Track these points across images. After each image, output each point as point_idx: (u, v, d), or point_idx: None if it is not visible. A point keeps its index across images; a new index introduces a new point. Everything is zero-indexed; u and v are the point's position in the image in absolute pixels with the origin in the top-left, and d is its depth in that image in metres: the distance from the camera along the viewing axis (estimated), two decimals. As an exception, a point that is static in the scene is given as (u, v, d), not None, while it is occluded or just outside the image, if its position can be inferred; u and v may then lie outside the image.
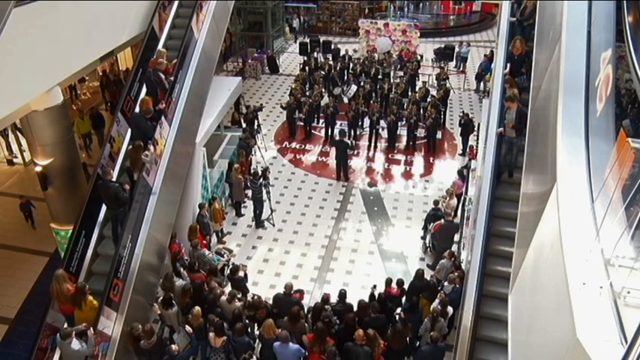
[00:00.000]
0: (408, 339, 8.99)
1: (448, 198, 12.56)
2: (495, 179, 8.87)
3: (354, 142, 17.01)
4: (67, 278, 7.96)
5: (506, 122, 8.62)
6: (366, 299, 9.41)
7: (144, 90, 10.40)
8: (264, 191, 13.07)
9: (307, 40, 25.07)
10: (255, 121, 15.85)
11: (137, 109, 9.84)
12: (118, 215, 8.77)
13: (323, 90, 19.46)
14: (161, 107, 9.71)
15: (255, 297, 9.52)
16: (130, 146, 9.34)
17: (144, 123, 9.39)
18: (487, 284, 8.11)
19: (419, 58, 22.14)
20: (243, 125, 16.46)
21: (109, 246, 9.07)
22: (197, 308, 8.75)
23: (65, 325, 8.02)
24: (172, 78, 10.19)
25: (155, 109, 9.51)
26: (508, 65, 9.69)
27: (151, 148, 9.13)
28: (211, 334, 8.44)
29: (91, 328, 7.49)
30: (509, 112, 8.57)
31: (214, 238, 12.69)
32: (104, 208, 9.24)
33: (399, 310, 9.71)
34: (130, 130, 10.01)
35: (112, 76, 18.55)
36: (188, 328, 8.58)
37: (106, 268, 8.40)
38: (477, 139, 14.25)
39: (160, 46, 10.94)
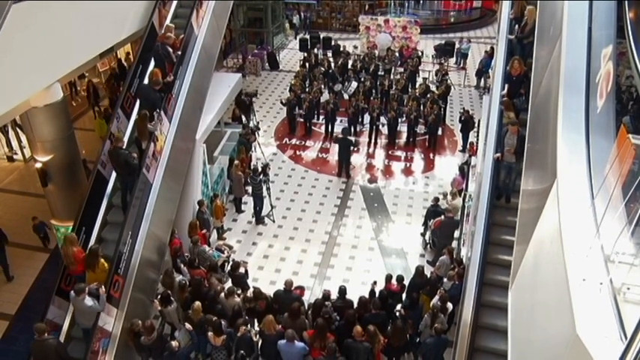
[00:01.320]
0: (408, 335, 9.02)
1: (451, 198, 12.56)
2: (492, 200, 8.72)
3: (357, 139, 16.98)
4: (75, 242, 8.24)
5: (507, 148, 8.39)
6: (367, 295, 9.43)
7: (152, 64, 10.55)
8: (264, 187, 13.07)
9: (307, 36, 25.01)
10: (251, 107, 15.63)
11: (146, 81, 10.10)
12: (127, 183, 9.05)
13: (323, 86, 19.43)
14: (169, 80, 9.92)
15: (255, 289, 9.52)
16: (137, 116, 9.57)
17: (153, 94, 9.66)
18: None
19: (419, 54, 22.10)
20: (244, 120, 16.49)
21: (118, 214, 9.32)
22: (197, 303, 8.77)
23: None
24: (180, 52, 10.38)
25: (163, 82, 9.75)
26: (506, 86, 9.38)
27: (157, 117, 9.45)
28: (210, 334, 8.44)
29: (102, 287, 7.82)
30: (510, 137, 8.33)
31: (215, 235, 12.72)
32: (111, 181, 9.62)
33: (398, 306, 9.72)
34: (137, 102, 10.18)
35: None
36: (188, 325, 8.60)
37: (115, 235, 8.64)
38: (477, 135, 14.24)
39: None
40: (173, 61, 10.28)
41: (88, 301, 7.66)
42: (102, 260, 8.27)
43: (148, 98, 9.75)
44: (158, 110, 9.53)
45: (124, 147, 9.17)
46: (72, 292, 7.79)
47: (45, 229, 11.91)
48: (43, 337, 7.34)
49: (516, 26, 10.10)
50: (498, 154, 8.67)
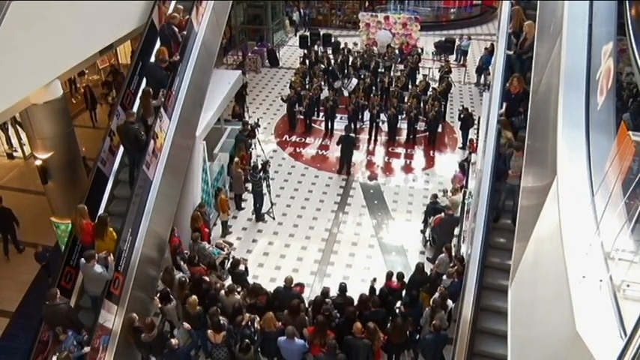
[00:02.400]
0: (407, 333, 9.03)
1: (451, 194, 12.56)
2: (490, 219, 8.51)
3: (357, 137, 16.96)
4: (85, 214, 8.40)
5: (512, 171, 8.12)
6: (367, 293, 9.44)
7: (157, 43, 10.75)
8: (263, 184, 13.07)
9: (307, 33, 24.97)
10: (255, 135, 15.37)
11: (152, 59, 10.31)
12: (135, 158, 9.26)
13: (322, 83, 19.41)
14: (175, 59, 10.10)
15: (256, 284, 9.52)
16: (141, 93, 9.78)
17: (159, 71, 9.90)
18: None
19: (419, 51, 22.08)
20: (245, 118, 16.53)
21: (124, 189, 9.62)
22: (193, 297, 8.77)
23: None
24: (185, 32, 10.58)
25: (169, 61, 9.96)
26: (504, 105, 9.08)
27: (161, 94, 9.71)
28: (210, 331, 8.44)
29: (111, 255, 8.04)
30: (515, 160, 8.05)
31: (219, 229, 12.76)
32: (118, 157, 9.90)
33: (398, 303, 9.74)
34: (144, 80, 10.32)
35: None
36: (186, 325, 8.60)
37: (122, 208, 8.88)
38: (477, 132, 14.23)
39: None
40: (179, 41, 10.46)
41: (98, 268, 7.90)
42: (110, 229, 8.47)
43: (154, 75, 9.97)
44: (164, 88, 9.77)
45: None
46: (82, 259, 8.04)
47: (46, 256, 11.08)
48: (54, 302, 7.62)
49: (515, 41, 9.75)
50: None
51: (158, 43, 10.69)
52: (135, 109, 10.08)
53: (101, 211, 9.16)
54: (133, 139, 9.03)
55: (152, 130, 9.25)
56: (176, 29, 10.45)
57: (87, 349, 7.51)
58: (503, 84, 9.36)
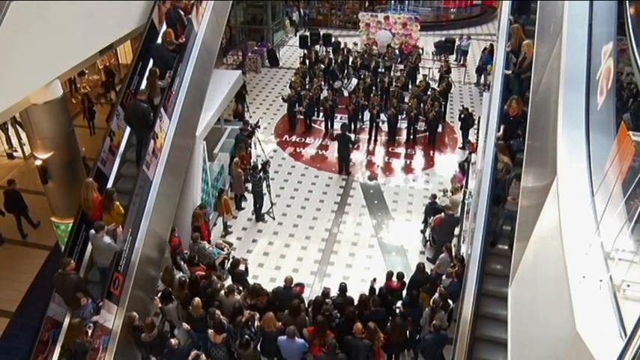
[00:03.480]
0: (407, 332, 9.02)
1: (451, 193, 12.56)
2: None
3: (357, 137, 16.97)
4: (95, 187, 8.69)
5: (511, 198, 7.94)
6: (367, 293, 9.44)
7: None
8: (263, 184, 13.07)
9: (307, 33, 24.97)
10: (254, 136, 15.34)
11: (159, 41, 10.63)
12: (142, 137, 9.47)
13: (322, 83, 19.41)
14: (181, 41, 10.35)
15: (256, 284, 9.52)
16: (147, 73, 10.08)
17: (166, 52, 10.18)
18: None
19: (419, 51, 22.07)
20: (246, 118, 16.53)
21: (131, 168, 9.91)
22: (197, 299, 8.77)
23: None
24: (190, 16, 10.81)
25: (176, 43, 10.24)
26: (502, 127, 8.81)
27: (168, 76, 10.04)
28: (210, 331, 8.44)
29: (120, 227, 8.33)
30: (514, 186, 7.85)
31: (220, 229, 12.77)
32: (125, 137, 10.19)
33: (398, 303, 9.74)
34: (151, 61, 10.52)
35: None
36: (186, 325, 8.60)
37: (129, 186, 9.15)
38: (477, 132, 14.23)
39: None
40: (184, 24, 10.68)
41: (106, 239, 8.17)
42: (117, 203, 8.73)
43: (160, 56, 10.22)
44: (170, 69, 10.05)
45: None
46: (91, 230, 8.29)
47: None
48: (66, 271, 7.99)
49: (513, 60, 9.49)
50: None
51: (164, 27, 10.92)
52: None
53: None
54: (142, 116, 9.24)
55: (158, 110, 9.46)
56: (182, 12, 10.68)
57: (97, 317, 7.86)
58: (501, 105, 9.16)
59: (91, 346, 7.63)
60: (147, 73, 10.11)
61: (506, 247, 8.24)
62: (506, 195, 8.06)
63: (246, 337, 8.23)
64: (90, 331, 7.71)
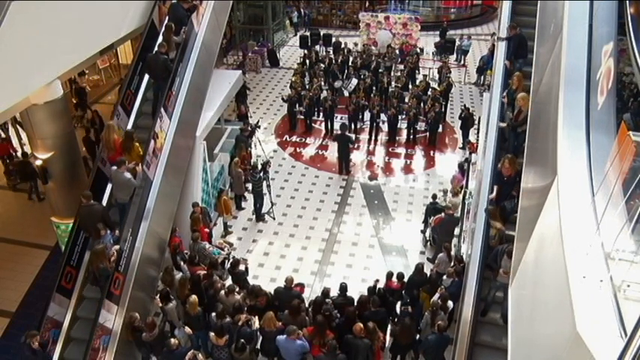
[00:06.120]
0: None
1: (451, 195, 12.56)
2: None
3: (357, 136, 16.96)
4: (116, 129, 9.34)
5: (502, 270, 7.50)
6: (366, 293, 9.43)
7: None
8: (264, 184, 13.07)
9: (307, 33, 24.97)
10: (253, 136, 15.29)
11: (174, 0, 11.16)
12: (160, 89, 10.05)
13: (322, 83, 19.41)
14: (195, 2, 11.09)
15: (255, 286, 9.52)
16: (164, 28, 10.62)
17: (181, 10, 10.85)
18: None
19: (418, 51, 22.08)
20: (249, 119, 16.52)
21: (147, 120, 10.46)
22: (194, 297, 8.77)
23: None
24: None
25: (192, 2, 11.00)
26: (495, 188, 8.30)
27: (182, 32, 10.68)
28: (212, 334, 8.44)
29: (139, 165, 8.93)
30: (506, 260, 7.40)
31: (221, 229, 12.78)
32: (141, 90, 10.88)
33: (399, 303, 9.74)
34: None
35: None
36: (188, 330, 8.60)
37: (144, 135, 9.57)
38: (478, 132, 14.22)
39: (159, 41, 10.93)
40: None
41: (127, 174, 8.72)
42: (136, 144, 9.30)
43: (175, 13, 10.84)
44: (185, 26, 10.69)
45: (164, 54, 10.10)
46: (113, 166, 8.87)
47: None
48: (90, 202, 8.48)
49: (510, 115, 9.08)
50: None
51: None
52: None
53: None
54: (162, 66, 9.89)
55: (174, 63, 10.07)
56: None
57: (117, 247, 8.45)
58: (494, 163, 8.75)
59: (113, 272, 8.23)
60: (163, 29, 10.67)
61: (498, 316, 7.88)
62: (498, 267, 7.61)
63: (242, 340, 8.24)
64: (112, 258, 8.29)
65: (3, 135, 14.98)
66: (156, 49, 10.12)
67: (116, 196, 9.22)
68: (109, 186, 9.64)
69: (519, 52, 9.96)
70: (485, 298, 8.00)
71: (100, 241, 8.51)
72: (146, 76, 10.82)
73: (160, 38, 10.61)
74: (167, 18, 10.96)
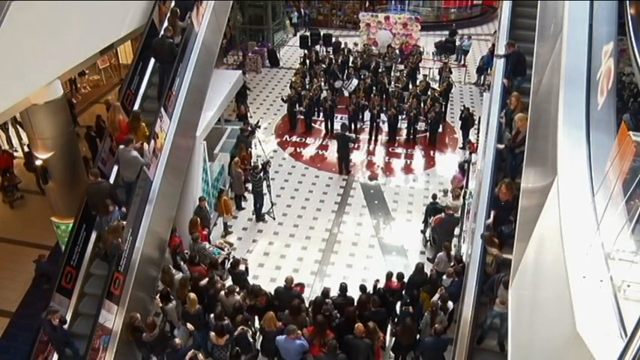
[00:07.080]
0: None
1: (452, 198, 12.54)
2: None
3: (357, 136, 16.96)
4: (121, 110, 9.43)
5: (499, 299, 7.32)
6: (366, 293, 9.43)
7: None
8: (264, 184, 13.07)
9: (308, 33, 24.97)
10: (254, 136, 15.22)
11: None
12: (166, 72, 10.19)
13: (323, 83, 19.41)
14: None
15: (255, 286, 9.52)
16: (169, 13, 10.73)
17: None
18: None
19: (421, 50, 22.08)
20: (249, 119, 16.52)
21: (152, 103, 10.61)
22: (192, 295, 8.77)
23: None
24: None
25: None
26: (492, 213, 8.16)
27: (188, 17, 10.73)
28: (212, 334, 8.44)
29: (146, 144, 9.03)
30: (502, 290, 7.22)
31: (221, 230, 12.78)
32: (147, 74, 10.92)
33: (399, 304, 9.73)
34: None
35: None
36: (190, 326, 8.60)
37: (150, 118, 9.66)
38: (478, 132, 14.22)
39: (165, 25, 10.99)
40: None
41: (134, 152, 8.80)
42: (143, 124, 9.38)
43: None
44: (190, 11, 10.80)
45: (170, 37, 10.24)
46: (120, 145, 8.96)
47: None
48: (97, 180, 8.66)
49: (508, 136, 8.93)
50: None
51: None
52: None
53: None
54: (168, 49, 10.02)
55: (179, 47, 10.25)
56: None
57: (124, 222, 8.52)
58: (492, 187, 8.65)
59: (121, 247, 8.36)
60: (169, 14, 10.75)
61: (494, 343, 7.70)
62: (495, 296, 7.46)
63: (237, 348, 8.25)
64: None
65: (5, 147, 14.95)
66: (162, 32, 10.31)
67: (123, 174, 9.30)
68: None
69: (518, 69, 9.71)
70: (482, 325, 7.80)
71: (106, 219, 8.62)
72: (151, 62, 11.00)
73: (166, 23, 10.73)
74: (172, 3, 11.15)
